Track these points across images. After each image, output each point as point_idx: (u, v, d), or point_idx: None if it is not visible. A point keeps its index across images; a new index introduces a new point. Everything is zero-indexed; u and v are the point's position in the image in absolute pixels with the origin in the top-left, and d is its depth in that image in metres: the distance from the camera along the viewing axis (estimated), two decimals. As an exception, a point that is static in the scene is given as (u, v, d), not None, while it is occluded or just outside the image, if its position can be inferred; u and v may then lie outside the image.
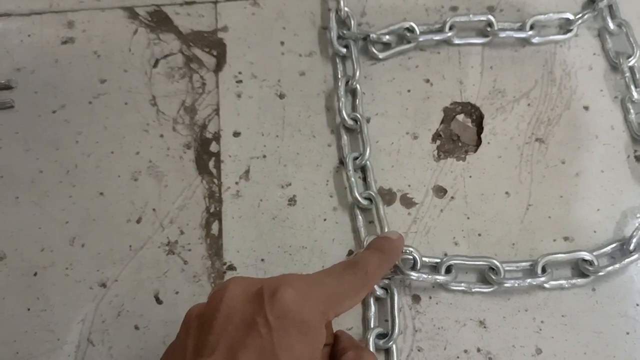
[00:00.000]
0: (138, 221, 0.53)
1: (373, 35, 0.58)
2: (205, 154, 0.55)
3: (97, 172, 0.55)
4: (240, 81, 0.58)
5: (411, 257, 0.51)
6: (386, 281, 0.51)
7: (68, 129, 0.56)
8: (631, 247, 0.51)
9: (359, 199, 0.53)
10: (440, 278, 0.50)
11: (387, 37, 0.58)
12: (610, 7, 0.60)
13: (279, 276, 0.34)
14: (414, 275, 0.50)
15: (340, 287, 0.35)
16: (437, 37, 0.59)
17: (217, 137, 0.56)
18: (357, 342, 0.39)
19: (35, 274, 0.52)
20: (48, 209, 0.54)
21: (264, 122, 0.56)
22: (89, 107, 0.57)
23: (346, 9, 0.60)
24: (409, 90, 0.58)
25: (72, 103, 0.57)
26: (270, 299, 0.31)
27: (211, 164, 0.55)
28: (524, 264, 0.51)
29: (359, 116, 0.56)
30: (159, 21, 0.60)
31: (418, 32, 0.59)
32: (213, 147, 0.56)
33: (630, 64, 0.57)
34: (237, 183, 0.54)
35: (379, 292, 0.51)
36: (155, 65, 0.59)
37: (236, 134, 0.56)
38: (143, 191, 0.54)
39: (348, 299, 0.35)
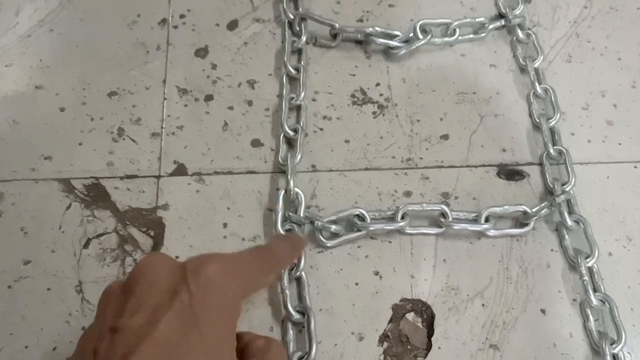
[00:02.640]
0: None
1: (319, 223, 0.54)
2: None
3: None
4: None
5: None
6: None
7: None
8: None
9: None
10: None
11: (334, 227, 0.55)
12: (568, 201, 0.57)
13: (201, 255, 0.36)
14: None
15: (255, 269, 0.38)
16: (389, 227, 0.56)
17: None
18: (261, 335, 0.39)
19: None
20: None
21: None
22: (8, 292, 0.52)
23: (296, 189, 0.56)
24: (357, 284, 0.54)
25: (-10, 286, 0.52)
26: (194, 271, 0.33)
27: None
28: None
29: (307, 308, 0.52)
30: (96, 196, 0.56)
31: (369, 221, 0.55)
32: None
33: (589, 264, 0.54)
34: None
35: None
36: (86, 245, 0.54)
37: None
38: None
39: (261, 278, 0.40)
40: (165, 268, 0.34)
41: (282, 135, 0.60)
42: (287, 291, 0.53)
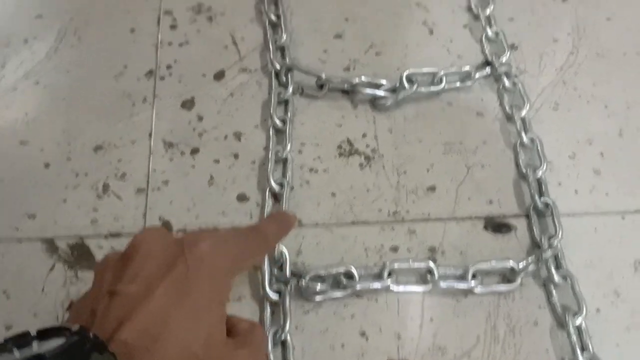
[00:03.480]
0: None
1: (303, 282, 0.54)
2: None
3: None
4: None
5: None
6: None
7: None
8: None
9: None
10: None
11: (320, 285, 0.54)
12: (555, 256, 0.57)
13: (197, 231, 0.40)
14: None
15: (245, 247, 0.41)
16: (376, 285, 0.56)
17: None
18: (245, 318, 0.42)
19: None
20: None
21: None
22: (-11, 360, 0.51)
23: (281, 247, 0.56)
24: (342, 345, 0.54)
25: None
26: (190, 246, 0.35)
27: None
28: None
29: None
30: (80, 255, 0.56)
31: (357, 279, 0.54)
32: None
33: (577, 323, 0.54)
34: None
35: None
36: (69, 308, 0.53)
37: None
38: None
39: (250, 258, 0.42)
40: (163, 240, 0.36)
41: (267, 189, 0.60)
42: (271, 356, 0.52)
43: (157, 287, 0.33)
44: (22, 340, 0.28)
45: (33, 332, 0.29)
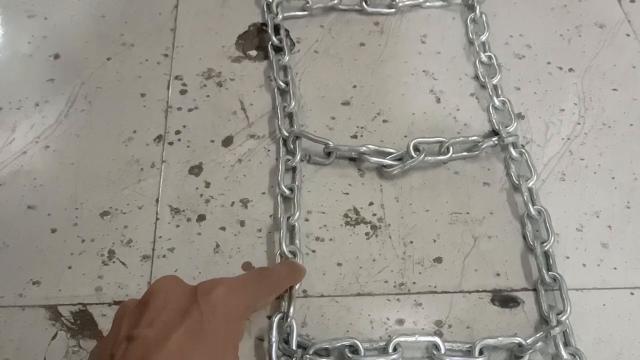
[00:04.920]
0: None
1: (308, 356, 0.53)
2: None
3: None
4: None
5: None
6: None
7: None
8: None
9: None
10: None
11: (325, 359, 0.53)
12: (564, 332, 0.56)
13: (211, 279, 0.40)
14: None
15: (258, 290, 0.44)
16: (381, 361, 0.54)
17: None
18: None
19: None
20: None
21: None
22: None
23: (291, 320, 0.55)
24: (347, 422, 0.52)
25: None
26: (204, 293, 0.37)
27: None
28: None
29: None
30: (83, 324, 0.56)
31: (362, 353, 0.54)
32: None
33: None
34: None
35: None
36: None
37: None
38: None
39: (263, 299, 0.45)
40: (178, 288, 0.39)
41: (278, 254, 0.60)
42: None
43: (174, 332, 0.35)
44: None
45: None
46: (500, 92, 0.73)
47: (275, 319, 0.56)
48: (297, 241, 0.62)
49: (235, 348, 0.39)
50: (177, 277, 0.41)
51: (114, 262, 0.60)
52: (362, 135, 0.70)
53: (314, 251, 0.62)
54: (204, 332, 0.36)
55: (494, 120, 0.71)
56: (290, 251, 0.60)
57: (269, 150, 0.68)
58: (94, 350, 0.40)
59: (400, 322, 0.58)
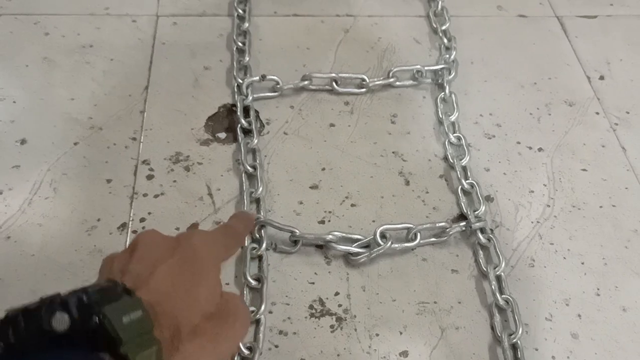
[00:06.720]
0: None
1: None
2: None
3: None
4: None
5: None
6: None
7: None
8: None
9: None
10: None
11: None
12: None
13: (189, 232, 0.47)
14: None
15: (224, 241, 0.48)
16: None
17: None
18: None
19: None
20: None
21: None
22: None
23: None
24: None
25: None
26: (185, 239, 0.42)
27: None
28: None
29: None
30: None
31: None
32: None
33: None
34: None
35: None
36: None
37: None
38: None
39: (230, 250, 0.49)
40: (161, 236, 0.42)
41: (236, 355, 0.58)
42: None
43: (163, 263, 0.38)
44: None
45: None
46: (469, 174, 0.73)
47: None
48: (260, 336, 0.60)
49: (218, 272, 0.43)
50: (157, 230, 0.45)
51: None
52: (329, 220, 0.69)
53: (277, 346, 0.61)
54: (183, 270, 0.39)
55: (462, 204, 0.70)
56: (247, 348, 0.59)
57: (234, 238, 0.67)
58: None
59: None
